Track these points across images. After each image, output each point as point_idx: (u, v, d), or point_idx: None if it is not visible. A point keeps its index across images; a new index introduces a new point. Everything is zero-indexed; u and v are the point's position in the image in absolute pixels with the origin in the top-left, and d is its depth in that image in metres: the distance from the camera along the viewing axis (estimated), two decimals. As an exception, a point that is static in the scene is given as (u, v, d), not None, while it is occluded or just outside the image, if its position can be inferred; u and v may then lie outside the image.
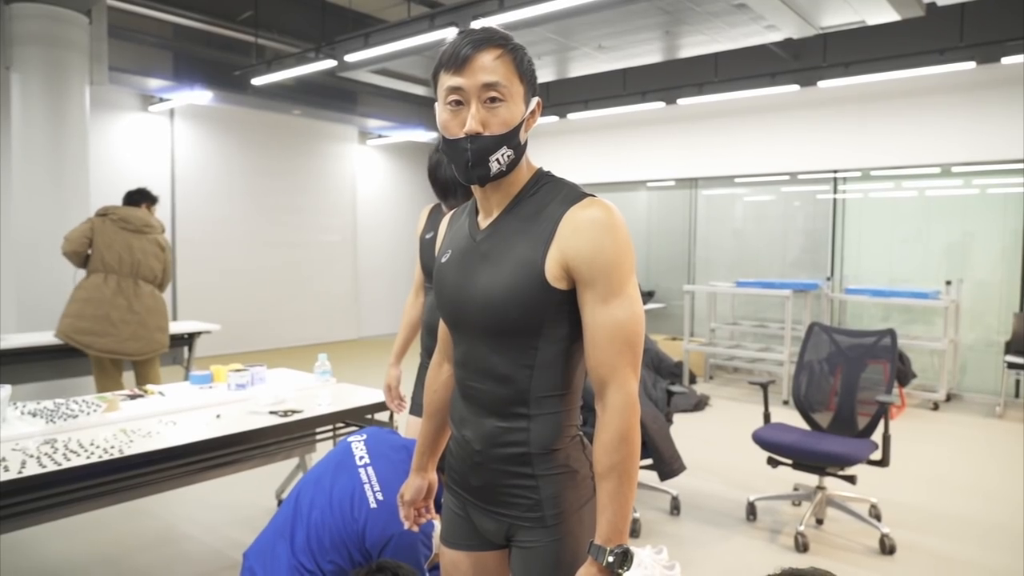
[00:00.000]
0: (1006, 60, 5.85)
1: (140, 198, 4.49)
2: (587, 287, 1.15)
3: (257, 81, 7.04)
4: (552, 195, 1.21)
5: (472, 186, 1.24)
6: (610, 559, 1.11)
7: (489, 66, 1.14)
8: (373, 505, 1.75)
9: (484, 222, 1.27)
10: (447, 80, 1.16)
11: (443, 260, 1.32)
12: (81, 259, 4.24)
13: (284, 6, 7.25)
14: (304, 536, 1.75)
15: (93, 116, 5.97)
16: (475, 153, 1.15)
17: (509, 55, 1.15)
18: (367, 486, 1.77)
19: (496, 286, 1.18)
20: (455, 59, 1.14)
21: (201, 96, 7.34)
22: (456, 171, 1.21)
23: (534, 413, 1.21)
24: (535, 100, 1.21)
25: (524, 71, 1.18)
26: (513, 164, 1.20)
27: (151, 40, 6.94)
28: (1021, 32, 5.76)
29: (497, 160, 1.17)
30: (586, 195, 1.19)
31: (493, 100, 1.14)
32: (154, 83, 7.14)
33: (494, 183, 1.22)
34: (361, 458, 1.83)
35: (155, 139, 8.05)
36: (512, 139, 1.17)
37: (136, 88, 7.43)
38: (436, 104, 1.22)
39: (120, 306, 4.19)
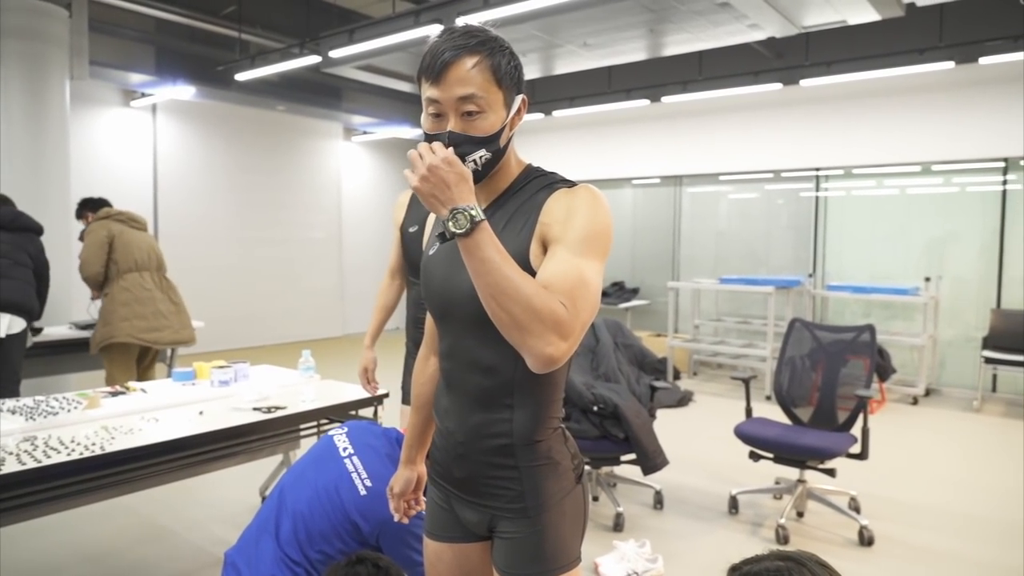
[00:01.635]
0: (984, 60, 5.93)
1: (87, 208, 4.51)
2: (554, 243, 1.13)
3: (241, 76, 6.98)
4: (540, 186, 1.23)
5: None
6: (464, 207, 1.04)
7: (465, 77, 1.13)
8: (363, 492, 1.77)
9: None
10: (426, 90, 1.16)
11: (430, 253, 1.33)
12: (101, 279, 4.23)
13: (268, 1, 7.20)
14: (290, 528, 1.76)
15: (73, 111, 5.89)
16: (453, 150, 1.14)
17: (487, 61, 1.14)
18: (354, 475, 1.79)
19: None
20: (432, 70, 1.14)
21: (184, 91, 7.27)
22: None
23: (518, 404, 1.22)
24: (519, 98, 1.20)
25: (503, 76, 1.16)
26: (490, 166, 1.20)
27: (132, 34, 6.87)
28: (999, 33, 5.85)
29: (474, 161, 1.17)
30: (574, 183, 1.21)
31: (470, 113, 1.14)
32: (136, 78, 7.06)
33: (480, 182, 1.22)
34: (345, 449, 1.85)
35: (137, 135, 7.96)
36: (491, 142, 1.17)
37: (117, 83, 7.35)
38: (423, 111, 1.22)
39: (162, 299, 4.36)
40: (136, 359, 4.39)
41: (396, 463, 1.82)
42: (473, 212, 1.03)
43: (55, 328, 4.76)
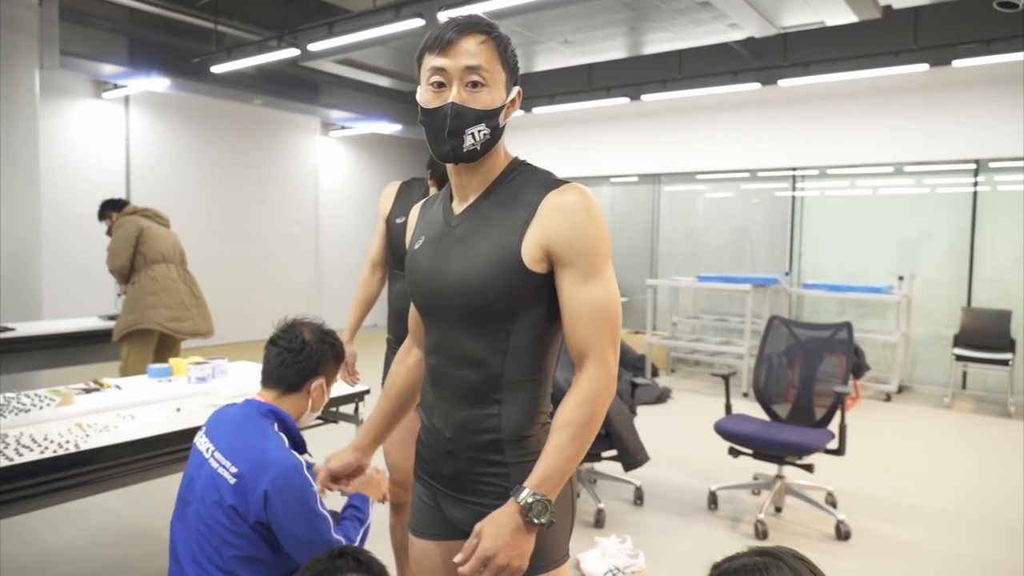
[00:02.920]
0: (957, 63, 6.04)
1: (110, 208, 4.69)
2: (566, 268, 1.16)
3: (217, 69, 6.88)
4: (529, 182, 1.23)
5: (450, 169, 1.26)
6: (528, 500, 1.11)
7: (473, 50, 1.15)
8: (232, 481, 1.66)
9: (459, 207, 1.27)
10: (430, 61, 1.17)
11: (416, 247, 1.32)
12: (127, 271, 4.41)
13: (245, -8, 7.09)
14: (192, 553, 1.67)
15: (43, 102, 5.76)
16: (454, 120, 1.16)
17: (493, 42, 1.17)
18: (220, 469, 1.70)
19: (472, 268, 1.19)
20: (439, 41, 1.16)
21: (158, 83, 7.13)
22: (431, 145, 1.22)
23: (506, 399, 1.21)
24: (516, 89, 1.23)
25: (507, 59, 1.19)
26: (487, 145, 1.20)
27: (105, 24, 6.72)
28: (972, 36, 5.96)
29: (473, 135, 1.17)
30: (563, 181, 1.21)
31: (475, 84, 1.16)
32: (108, 69, 6.91)
33: (470, 167, 1.23)
34: (208, 450, 1.76)
35: (109, 127, 7.80)
36: (492, 118, 1.18)
37: (89, 73, 7.19)
38: (419, 87, 1.22)
39: (185, 291, 4.52)
40: (154, 350, 4.48)
41: (260, 432, 1.72)
42: (534, 501, 1.12)
43: (26, 324, 4.65)
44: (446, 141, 1.17)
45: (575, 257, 1.15)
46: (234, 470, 1.67)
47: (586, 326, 1.16)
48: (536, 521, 1.10)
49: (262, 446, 1.68)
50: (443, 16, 5.00)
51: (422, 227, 1.35)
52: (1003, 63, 5.92)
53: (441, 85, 1.17)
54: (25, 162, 5.16)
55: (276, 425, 1.77)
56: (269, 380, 1.87)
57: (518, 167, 1.27)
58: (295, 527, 1.62)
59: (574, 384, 1.18)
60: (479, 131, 1.17)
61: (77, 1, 6.26)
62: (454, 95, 1.15)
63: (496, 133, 1.20)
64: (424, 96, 1.19)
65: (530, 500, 1.11)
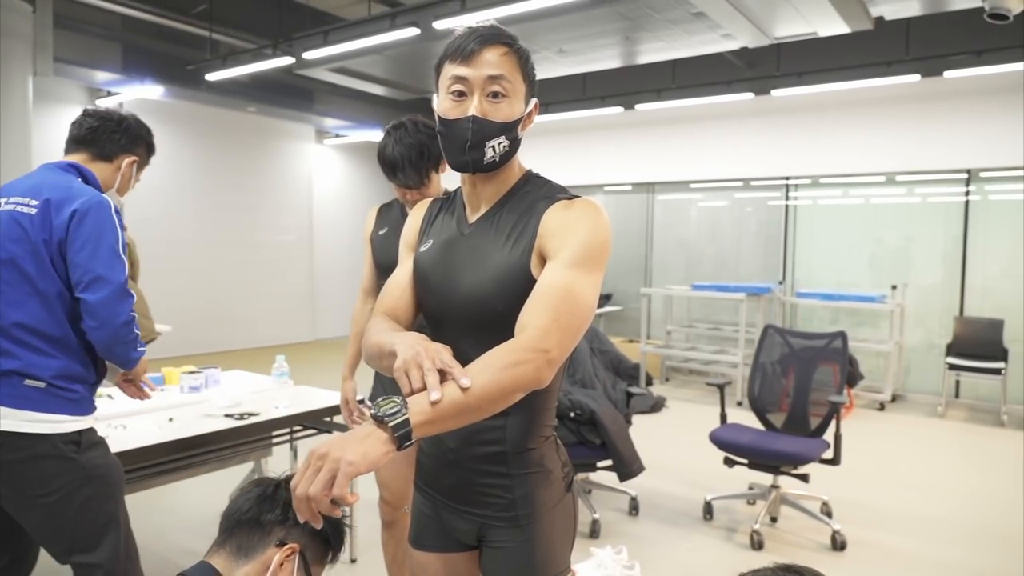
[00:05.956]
0: (948, 74, 6.09)
1: None
2: (549, 257, 1.14)
3: (211, 76, 6.87)
4: (541, 194, 1.23)
5: (463, 177, 1.25)
6: (382, 402, 0.96)
7: (496, 61, 1.15)
8: (35, 212, 1.67)
9: (472, 216, 1.27)
10: (451, 70, 1.16)
11: (423, 249, 1.31)
12: None
13: (240, 0, 7.09)
14: None
15: (37, 109, 5.74)
16: (475, 134, 1.15)
17: (515, 54, 1.17)
18: (20, 207, 1.68)
19: (483, 279, 1.18)
20: (461, 52, 1.15)
21: (152, 91, 7.12)
22: (449, 156, 1.20)
23: (512, 411, 1.19)
24: (533, 101, 1.23)
25: (527, 72, 1.20)
26: (506, 157, 1.20)
27: (99, 31, 6.71)
28: (963, 47, 6.01)
29: (493, 147, 1.17)
30: (575, 196, 1.21)
31: (496, 95, 1.15)
32: (102, 76, 6.90)
33: (485, 177, 1.23)
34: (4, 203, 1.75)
35: (102, 134, 7.77)
36: (511, 130, 1.18)
37: (83, 80, 7.17)
38: (435, 95, 1.21)
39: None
40: None
41: (65, 180, 1.76)
42: (383, 410, 0.94)
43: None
44: (466, 153, 1.17)
45: (561, 248, 1.13)
46: (35, 203, 1.67)
47: (541, 305, 1.07)
48: (377, 413, 0.94)
49: (69, 184, 1.71)
50: (440, 25, 5.02)
51: (432, 230, 1.33)
52: (994, 74, 5.98)
53: (462, 94, 1.16)
54: (17, 168, 5.12)
55: (79, 180, 1.78)
56: (80, 143, 1.86)
57: (532, 179, 1.27)
58: (85, 246, 1.64)
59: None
60: (499, 143, 1.17)
61: (71, 8, 6.25)
62: (475, 107, 1.14)
63: (515, 145, 1.21)
64: (443, 105, 1.18)
65: (382, 401, 0.96)
